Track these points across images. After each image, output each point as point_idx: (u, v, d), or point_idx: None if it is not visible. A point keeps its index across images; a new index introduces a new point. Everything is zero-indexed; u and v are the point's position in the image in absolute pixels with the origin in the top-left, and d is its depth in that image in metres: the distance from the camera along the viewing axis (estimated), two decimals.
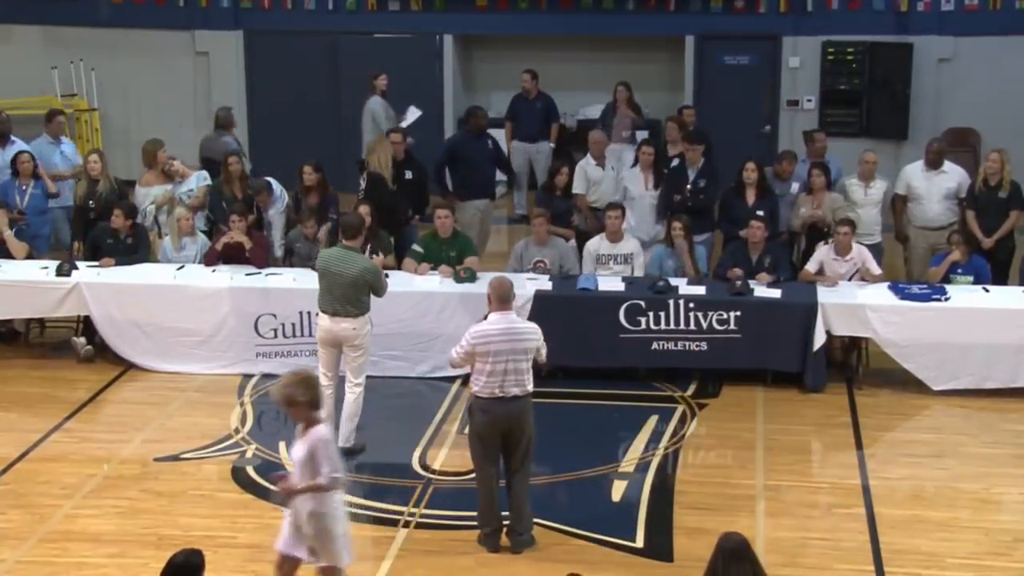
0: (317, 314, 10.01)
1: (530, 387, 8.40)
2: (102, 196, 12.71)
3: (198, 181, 12.97)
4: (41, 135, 14.14)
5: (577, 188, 13.08)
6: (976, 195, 12.31)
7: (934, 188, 12.45)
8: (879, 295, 11.30)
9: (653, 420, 10.58)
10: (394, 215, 12.55)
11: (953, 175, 12.52)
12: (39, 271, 11.88)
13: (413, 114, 15.66)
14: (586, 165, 13.21)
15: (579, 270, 11.88)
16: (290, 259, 12.23)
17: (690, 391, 11.21)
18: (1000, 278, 12.06)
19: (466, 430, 10.27)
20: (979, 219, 12.23)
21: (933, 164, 12.51)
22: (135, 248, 12.22)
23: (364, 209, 11.82)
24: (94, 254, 12.23)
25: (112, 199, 12.63)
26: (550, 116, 16.16)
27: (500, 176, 15.13)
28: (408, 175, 12.99)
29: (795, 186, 12.56)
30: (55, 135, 14.07)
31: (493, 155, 14.17)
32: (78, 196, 12.96)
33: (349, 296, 9.73)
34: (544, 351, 8.57)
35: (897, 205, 12.71)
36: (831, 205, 12.12)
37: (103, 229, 12.31)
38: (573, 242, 12.40)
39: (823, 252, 11.66)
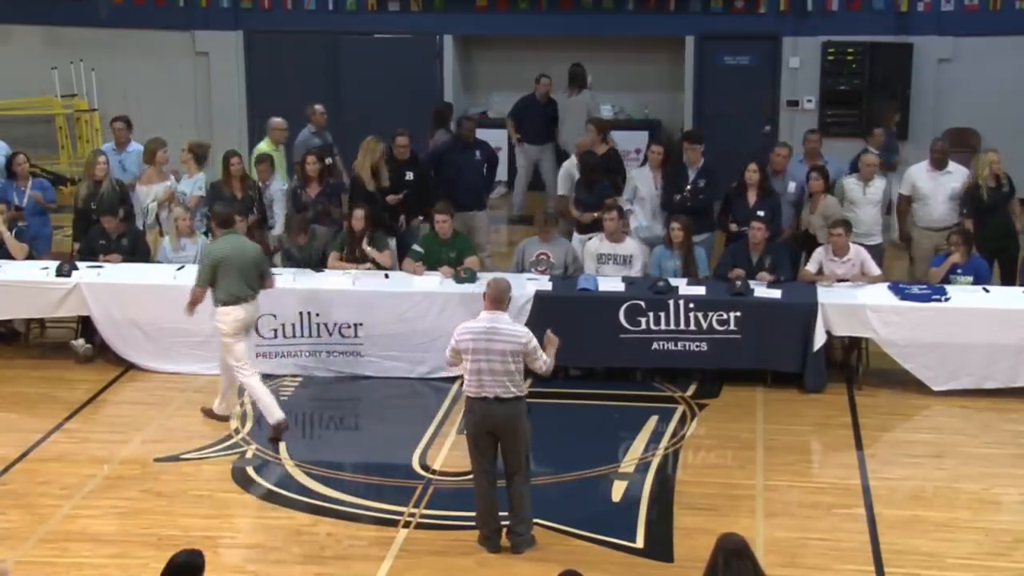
0: (216, 304, 10.23)
1: (516, 391, 8.29)
2: (104, 197, 12.69)
3: (192, 187, 12.84)
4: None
5: (562, 190, 13.28)
6: (986, 198, 12.19)
7: (940, 188, 12.42)
8: (879, 295, 11.30)
9: (653, 420, 10.58)
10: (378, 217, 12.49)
11: (958, 175, 12.49)
12: (39, 271, 11.88)
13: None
14: (571, 167, 13.22)
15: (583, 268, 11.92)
16: (287, 263, 12.20)
17: (690, 391, 11.21)
18: (1008, 278, 12.07)
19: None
20: (985, 220, 12.15)
21: (938, 164, 12.49)
22: (132, 249, 12.23)
23: (358, 213, 11.86)
24: (91, 257, 12.22)
25: (113, 200, 12.61)
26: (555, 119, 16.14)
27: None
28: (409, 176, 12.93)
29: (792, 185, 12.54)
30: (119, 143, 13.75)
31: (481, 166, 13.57)
32: (80, 197, 12.95)
33: (253, 278, 10.22)
34: (541, 361, 8.36)
35: (902, 206, 12.68)
36: (823, 212, 12.10)
37: (97, 232, 12.32)
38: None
39: (821, 253, 11.67)
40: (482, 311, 8.45)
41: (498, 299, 8.40)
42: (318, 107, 14.24)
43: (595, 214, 12.37)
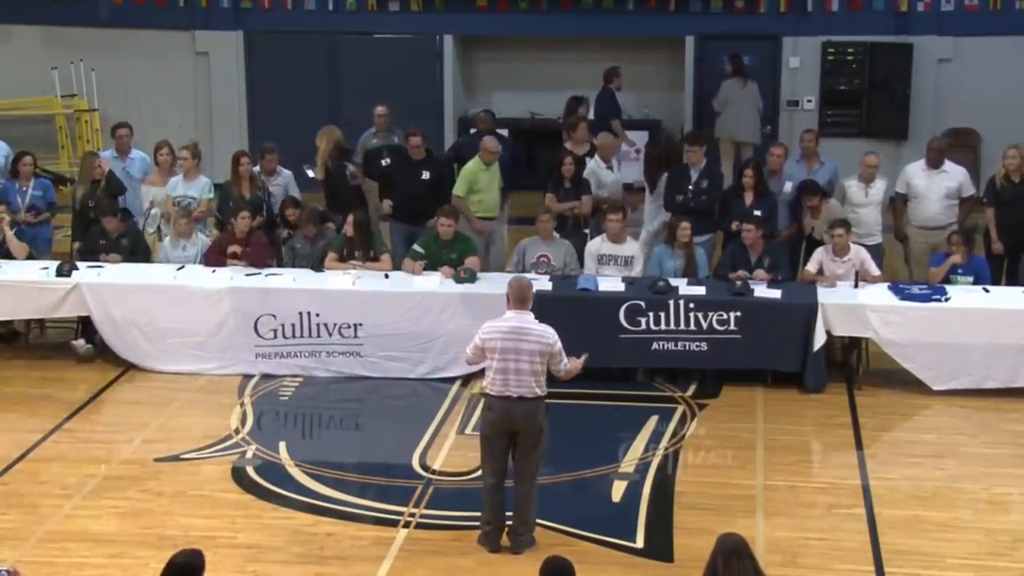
0: None
1: (539, 391, 8.28)
2: (100, 198, 12.66)
3: (201, 191, 12.87)
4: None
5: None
6: (998, 191, 12.29)
7: (934, 187, 12.43)
8: (879, 295, 11.30)
9: (653, 420, 10.58)
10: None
11: (954, 175, 12.51)
12: (39, 271, 11.88)
13: None
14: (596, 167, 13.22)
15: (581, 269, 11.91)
16: (292, 261, 12.20)
17: (690, 391, 11.21)
18: (1014, 276, 12.08)
19: (467, 430, 10.33)
20: (1002, 214, 12.20)
21: (934, 163, 12.50)
22: (132, 249, 12.22)
23: (351, 218, 11.91)
24: (91, 257, 12.20)
25: (110, 199, 12.57)
26: None
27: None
28: (425, 175, 12.86)
29: (788, 185, 12.55)
30: (121, 150, 13.53)
31: (503, 161, 13.36)
32: (78, 198, 12.94)
33: None
34: (563, 365, 8.38)
35: (897, 204, 12.70)
36: (827, 216, 12.10)
37: (96, 232, 12.30)
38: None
39: (821, 253, 11.67)
40: (507, 311, 8.44)
41: (523, 298, 8.41)
42: (379, 108, 14.17)
43: (574, 203, 12.61)
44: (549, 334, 8.34)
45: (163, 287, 11.70)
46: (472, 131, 14.33)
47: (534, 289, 11.02)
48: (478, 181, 12.80)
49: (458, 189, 12.80)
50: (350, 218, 11.95)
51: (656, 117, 17.65)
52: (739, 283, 11.27)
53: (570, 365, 8.46)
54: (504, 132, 15.92)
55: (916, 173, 12.57)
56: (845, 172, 12.87)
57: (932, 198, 12.41)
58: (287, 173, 13.10)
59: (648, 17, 17.35)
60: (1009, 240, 12.23)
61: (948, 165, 12.55)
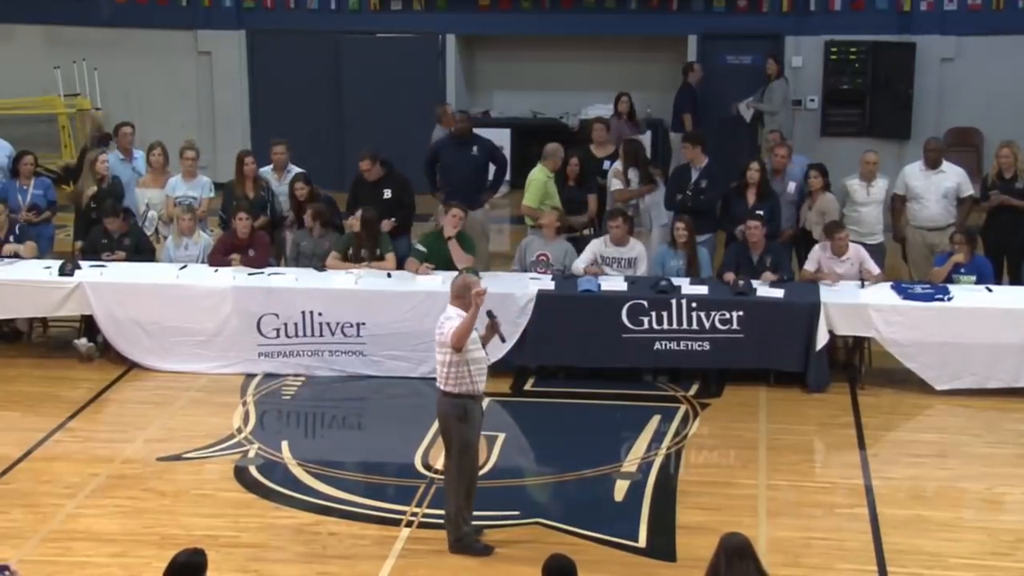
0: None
1: (442, 386, 8.32)
2: (102, 198, 12.65)
3: (203, 191, 12.87)
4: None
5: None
6: (988, 187, 12.34)
7: (932, 187, 12.43)
8: (882, 295, 11.29)
9: (656, 420, 10.57)
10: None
11: (952, 175, 12.51)
12: (42, 270, 11.88)
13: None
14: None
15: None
16: (297, 259, 12.18)
17: (692, 391, 11.20)
18: (1013, 272, 12.09)
19: None
20: (992, 211, 12.29)
21: (932, 164, 12.51)
22: (136, 248, 12.22)
23: (357, 214, 11.87)
24: (94, 257, 12.19)
25: (111, 200, 12.55)
26: None
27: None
28: (387, 194, 12.60)
29: (792, 185, 12.54)
30: (123, 149, 13.44)
31: (480, 162, 13.28)
32: (83, 197, 12.91)
33: None
34: (445, 338, 8.26)
35: (896, 205, 12.69)
36: (820, 208, 12.11)
37: (98, 231, 12.28)
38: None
39: (819, 252, 11.66)
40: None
41: (455, 295, 8.41)
42: (449, 107, 14.06)
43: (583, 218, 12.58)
44: (443, 326, 8.33)
45: (166, 286, 11.70)
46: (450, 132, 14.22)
47: (534, 289, 11.22)
48: (550, 191, 12.59)
49: (530, 200, 12.56)
50: (357, 214, 11.94)
51: (658, 116, 17.64)
52: (741, 282, 11.26)
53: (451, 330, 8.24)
54: (505, 131, 16.04)
55: (914, 174, 12.57)
56: (847, 172, 12.86)
57: (931, 198, 12.41)
58: (300, 172, 13.01)
59: (650, 16, 17.37)
60: (997, 236, 12.28)
61: (946, 165, 12.55)
